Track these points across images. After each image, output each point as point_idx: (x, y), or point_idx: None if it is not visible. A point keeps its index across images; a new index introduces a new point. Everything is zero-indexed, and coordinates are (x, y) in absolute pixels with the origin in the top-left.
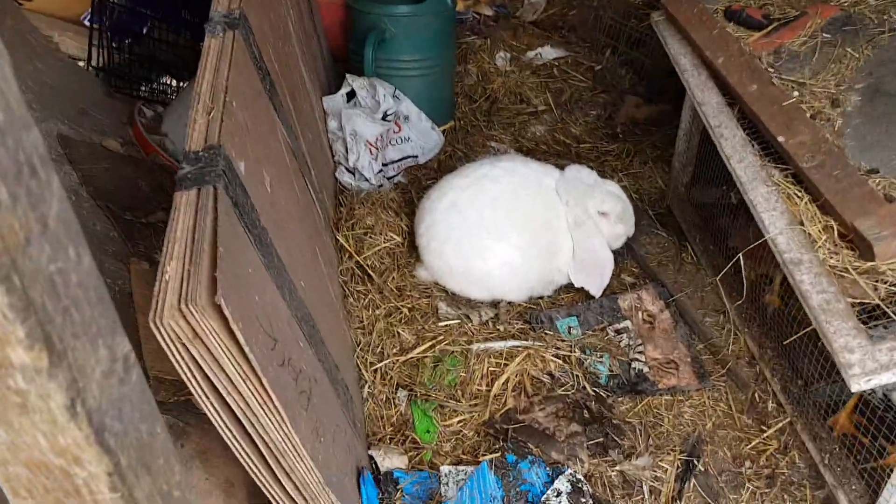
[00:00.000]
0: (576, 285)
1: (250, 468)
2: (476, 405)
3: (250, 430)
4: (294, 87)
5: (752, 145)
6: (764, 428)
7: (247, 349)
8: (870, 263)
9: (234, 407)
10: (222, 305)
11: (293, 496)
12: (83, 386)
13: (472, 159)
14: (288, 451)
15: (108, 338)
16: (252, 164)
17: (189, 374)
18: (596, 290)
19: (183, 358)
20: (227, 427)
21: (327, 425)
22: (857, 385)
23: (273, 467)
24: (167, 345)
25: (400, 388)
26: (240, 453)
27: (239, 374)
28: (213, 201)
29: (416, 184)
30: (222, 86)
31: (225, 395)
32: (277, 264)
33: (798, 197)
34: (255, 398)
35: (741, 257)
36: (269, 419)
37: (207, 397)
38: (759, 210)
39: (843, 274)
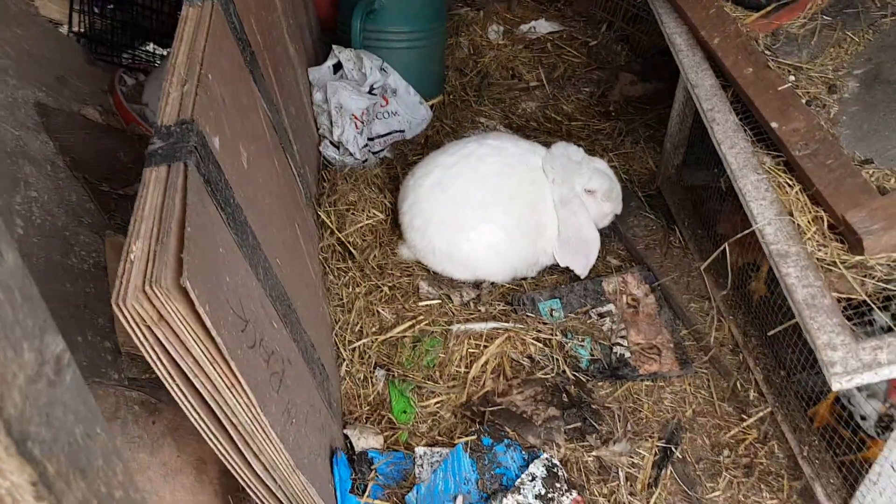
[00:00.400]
0: (561, 265)
1: (218, 450)
2: (454, 387)
3: (218, 412)
4: (277, 59)
5: (745, 131)
6: (744, 417)
7: (214, 332)
8: (858, 257)
9: (201, 390)
10: (188, 288)
11: (263, 478)
12: (1, 394)
13: (459, 135)
14: (257, 433)
15: (36, 339)
16: (228, 140)
17: (154, 357)
18: (582, 270)
19: (147, 340)
20: (194, 409)
21: (300, 406)
22: (839, 384)
23: (242, 449)
24: (131, 327)
25: (378, 368)
26: (208, 435)
27: (206, 357)
28: (184, 178)
29: (401, 159)
30: (198, 58)
31: (192, 377)
32: (252, 243)
33: (789, 186)
34: (224, 381)
35: (727, 246)
36: (238, 402)
37: (174, 379)
38: (748, 199)
39: (830, 268)
